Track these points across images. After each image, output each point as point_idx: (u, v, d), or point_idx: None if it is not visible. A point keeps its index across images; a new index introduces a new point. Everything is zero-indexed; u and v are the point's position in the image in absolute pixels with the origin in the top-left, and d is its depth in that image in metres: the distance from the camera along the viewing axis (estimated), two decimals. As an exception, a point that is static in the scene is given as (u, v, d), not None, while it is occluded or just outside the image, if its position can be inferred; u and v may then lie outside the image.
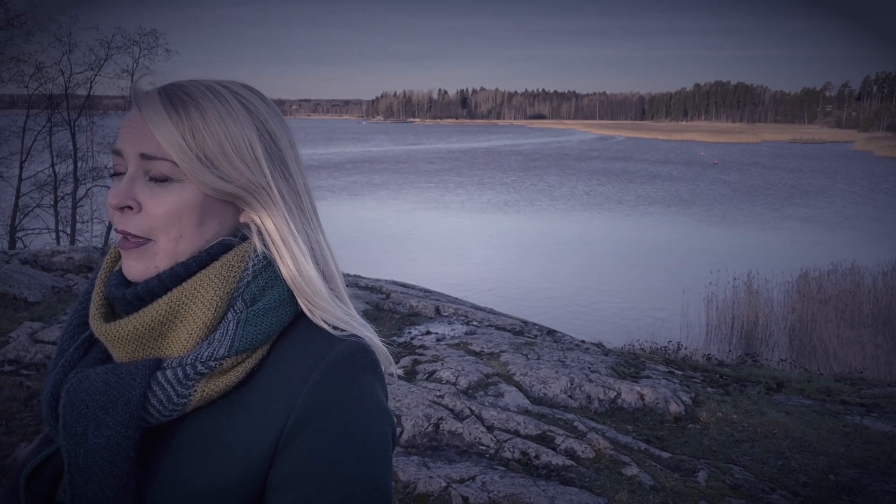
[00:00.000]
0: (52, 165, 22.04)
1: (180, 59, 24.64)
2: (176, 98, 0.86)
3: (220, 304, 0.85)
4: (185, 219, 0.85)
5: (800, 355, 11.44)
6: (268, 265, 0.88)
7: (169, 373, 0.82)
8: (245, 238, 0.89)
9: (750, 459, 4.42)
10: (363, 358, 0.87)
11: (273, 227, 0.88)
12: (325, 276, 0.90)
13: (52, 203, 21.85)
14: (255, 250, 0.88)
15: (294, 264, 0.87)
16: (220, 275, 0.85)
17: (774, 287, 14.56)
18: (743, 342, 12.82)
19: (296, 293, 0.87)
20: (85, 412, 0.80)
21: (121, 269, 0.91)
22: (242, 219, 0.90)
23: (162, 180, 0.85)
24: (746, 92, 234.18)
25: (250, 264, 0.87)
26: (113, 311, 0.89)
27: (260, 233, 0.89)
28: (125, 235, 0.86)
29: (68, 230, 21.87)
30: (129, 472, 0.79)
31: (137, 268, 0.86)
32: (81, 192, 22.30)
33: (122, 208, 0.85)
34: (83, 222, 22.50)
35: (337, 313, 0.88)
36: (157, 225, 0.85)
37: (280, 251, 0.88)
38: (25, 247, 19.20)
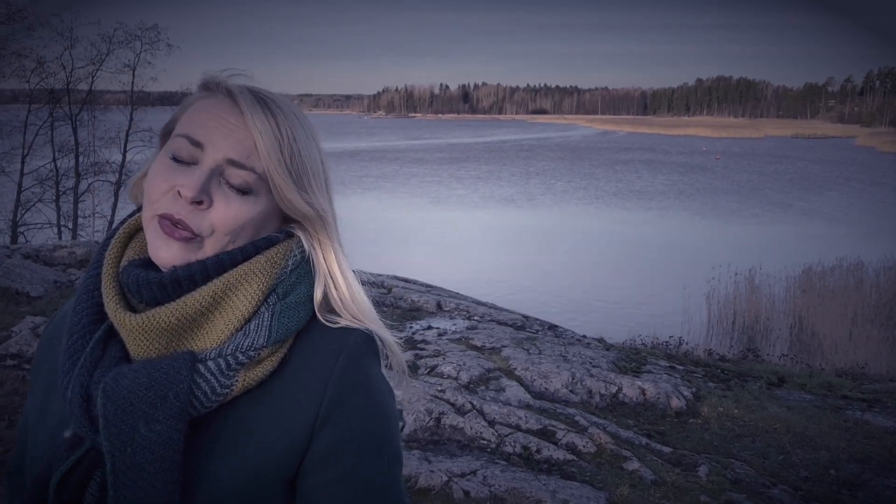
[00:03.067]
0: (54, 160, 22.02)
1: (182, 53, 24.59)
2: (274, 111, 0.88)
3: (260, 298, 0.86)
4: (246, 229, 0.88)
5: (801, 350, 11.43)
6: (302, 262, 0.91)
7: (211, 364, 0.83)
8: (289, 234, 0.92)
9: (751, 454, 4.42)
10: (373, 344, 0.92)
11: (332, 255, 0.92)
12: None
13: (54, 198, 21.84)
14: (297, 247, 0.91)
15: (349, 292, 0.92)
16: (264, 269, 0.87)
17: (776, 282, 14.55)
18: (744, 337, 12.81)
19: (343, 313, 0.92)
20: (130, 409, 0.80)
21: (133, 259, 0.89)
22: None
23: (241, 190, 0.86)
24: (749, 87, 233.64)
25: (290, 261, 0.90)
26: (129, 304, 0.87)
27: (312, 247, 0.92)
28: (178, 224, 0.84)
29: (70, 225, 21.88)
30: (180, 464, 0.80)
31: (176, 256, 0.85)
32: (83, 186, 22.28)
33: (192, 201, 0.84)
34: (85, 217, 22.46)
35: (377, 326, 0.94)
36: (218, 227, 0.86)
37: (336, 279, 0.92)
38: (27, 241, 19.22)
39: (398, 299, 7.40)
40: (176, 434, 0.80)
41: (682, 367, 6.17)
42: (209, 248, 0.86)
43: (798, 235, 24.07)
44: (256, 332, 0.84)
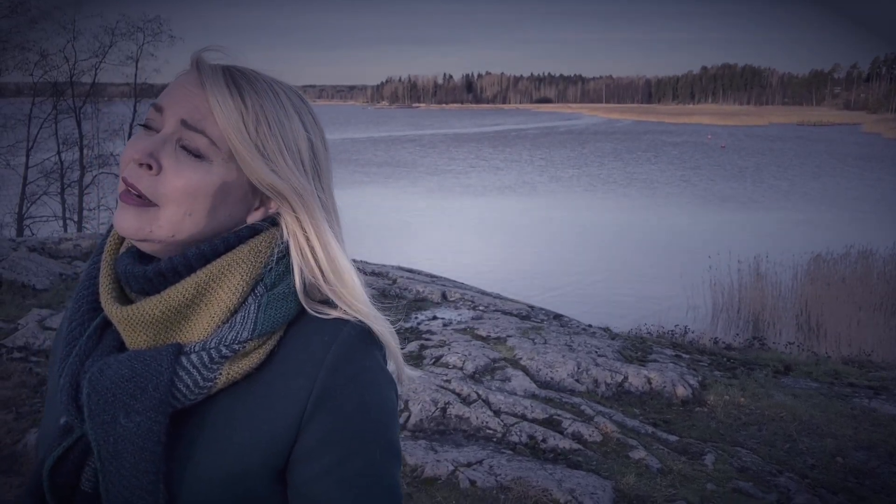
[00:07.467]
0: (59, 153, 22.09)
1: (184, 45, 24.57)
2: (241, 83, 0.87)
3: (245, 289, 0.86)
4: (200, 199, 0.85)
5: (807, 338, 11.40)
6: (289, 251, 0.89)
7: (194, 357, 0.83)
8: (273, 223, 0.90)
9: (757, 442, 4.42)
10: (370, 333, 0.89)
11: (312, 230, 0.89)
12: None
13: (59, 191, 21.93)
14: (281, 237, 0.89)
15: (330, 266, 0.88)
16: (248, 260, 0.86)
17: (781, 270, 14.49)
18: (750, 326, 12.78)
19: (331, 297, 0.88)
20: (112, 400, 0.81)
21: (130, 248, 0.90)
22: (251, 219, 0.90)
23: (193, 154, 0.85)
24: (754, 74, 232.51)
25: (275, 251, 0.88)
26: (124, 293, 0.89)
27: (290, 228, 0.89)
28: (131, 189, 0.85)
29: (75, 218, 21.95)
30: (161, 455, 0.80)
31: (131, 224, 0.85)
32: (88, 179, 22.36)
33: (141, 164, 0.85)
34: (90, 210, 22.56)
35: (369, 312, 0.90)
36: (169, 194, 0.84)
37: (316, 253, 0.88)
38: (33, 234, 19.28)
39: (403, 290, 7.39)
40: (156, 426, 0.80)
41: (687, 356, 6.16)
42: (165, 220, 0.84)
43: (802, 222, 23.99)
44: (242, 325, 0.84)
